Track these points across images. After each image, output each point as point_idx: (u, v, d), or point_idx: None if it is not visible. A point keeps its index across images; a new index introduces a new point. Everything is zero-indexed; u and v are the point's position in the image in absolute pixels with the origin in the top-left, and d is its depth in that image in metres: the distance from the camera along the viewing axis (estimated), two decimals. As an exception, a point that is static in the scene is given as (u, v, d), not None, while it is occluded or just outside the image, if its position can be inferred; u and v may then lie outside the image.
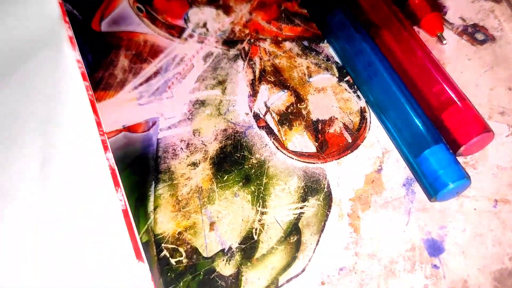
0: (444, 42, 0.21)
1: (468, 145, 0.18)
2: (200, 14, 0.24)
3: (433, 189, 0.17)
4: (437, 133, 0.18)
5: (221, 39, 0.23)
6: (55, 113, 0.19)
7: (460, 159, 0.19)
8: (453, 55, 0.21)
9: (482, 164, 0.19)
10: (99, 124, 0.19)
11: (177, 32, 0.24)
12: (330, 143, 0.20)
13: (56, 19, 0.22)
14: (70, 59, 0.21)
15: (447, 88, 0.19)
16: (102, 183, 0.17)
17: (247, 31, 0.23)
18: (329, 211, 0.19)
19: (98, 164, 0.18)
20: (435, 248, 0.17)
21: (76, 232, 0.16)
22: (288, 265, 0.18)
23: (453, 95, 0.18)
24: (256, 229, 0.19)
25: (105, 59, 0.23)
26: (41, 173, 0.17)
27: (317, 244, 0.18)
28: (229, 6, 0.24)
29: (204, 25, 0.24)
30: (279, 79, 0.22)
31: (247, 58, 0.22)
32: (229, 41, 0.23)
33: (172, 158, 0.20)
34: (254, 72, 0.22)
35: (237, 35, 0.23)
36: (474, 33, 0.22)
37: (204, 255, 0.18)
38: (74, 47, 0.21)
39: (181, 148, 0.20)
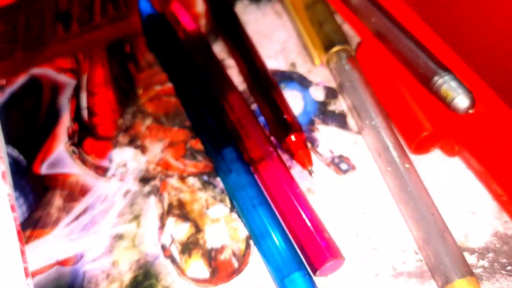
0: (313, 175, 0.26)
1: (322, 269, 0.22)
2: (121, 155, 0.29)
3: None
4: (298, 261, 0.23)
5: (138, 177, 0.28)
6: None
7: (323, 278, 0.23)
8: (322, 183, 0.26)
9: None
10: (23, 252, 0.24)
11: (102, 171, 0.29)
12: (220, 269, 0.25)
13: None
14: (2, 193, 0.26)
15: (306, 220, 0.23)
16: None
17: (159, 169, 0.28)
18: (216, 330, 0.23)
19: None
20: None
21: None
22: None
23: (310, 226, 0.23)
24: None
25: (43, 199, 0.28)
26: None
27: None
28: (145, 146, 0.29)
29: (125, 164, 0.28)
30: (183, 212, 0.26)
31: (158, 193, 0.27)
32: (144, 179, 0.28)
33: (94, 288, 0.25)
34: (163, 207, 0.27)
35: (151, 173, 0.28)
36: (339, 163, 0.26)
37: None
38: (6, 182, 0.26)
39: (102, 278, 0.25)
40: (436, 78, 0.23)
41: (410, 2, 0.28)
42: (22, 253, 0.24)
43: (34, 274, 0.25)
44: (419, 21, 0.27)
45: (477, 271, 0.22)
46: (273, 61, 0.30)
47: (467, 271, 0.20)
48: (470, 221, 0.23)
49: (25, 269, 0.24)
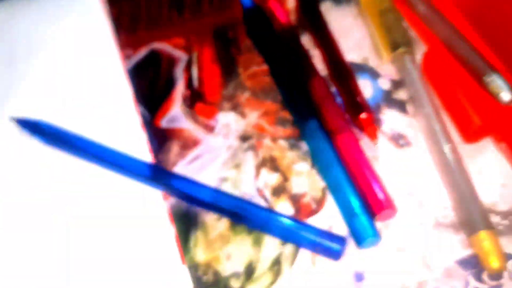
0: (377, 146, 0.34)
1: (379, 215, 0.31)
2: (226, 117, 0.38)
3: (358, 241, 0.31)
4: (363, 208, 0.31)
5: (239, 135, 0.37)
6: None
7: (380, 223, 0.32)
8: (383, 153, 0.34)
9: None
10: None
11: (210, 129, 0.37)
12: (302, 209, 0.33)
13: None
14: (142, 139, 0.35)
15: (370, 178, 0.32)
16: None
17: (255, 131, 0.37)
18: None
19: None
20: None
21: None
22: None
23: (373, 183, 0.32)
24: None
25: (164, 146, 0.37)
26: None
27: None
28: (245, 112, 0.38)
29: (228, 125, 0.37)
30: (274, 165, 0.35)
31: (254, 150, 0.36)
32: (244, 137, 0.37)
33: (205, 215, 0.34)
34: (258, 160, 0.36)
35: (249, 133, 0.37)
36: (398, 139, 0.35)
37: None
38: (145, 130, 0.35)
39: (211, 208, 0.34)
40: (486, 76, 0.31)
41: (467, 17, 0.36)
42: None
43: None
44: (473, 32, 0.35)
45: (499, 227, 0.30)
46: (349, 55, 0.39)
47: (490, 226, 0.29)
48: (498, 191, 0.32)
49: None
